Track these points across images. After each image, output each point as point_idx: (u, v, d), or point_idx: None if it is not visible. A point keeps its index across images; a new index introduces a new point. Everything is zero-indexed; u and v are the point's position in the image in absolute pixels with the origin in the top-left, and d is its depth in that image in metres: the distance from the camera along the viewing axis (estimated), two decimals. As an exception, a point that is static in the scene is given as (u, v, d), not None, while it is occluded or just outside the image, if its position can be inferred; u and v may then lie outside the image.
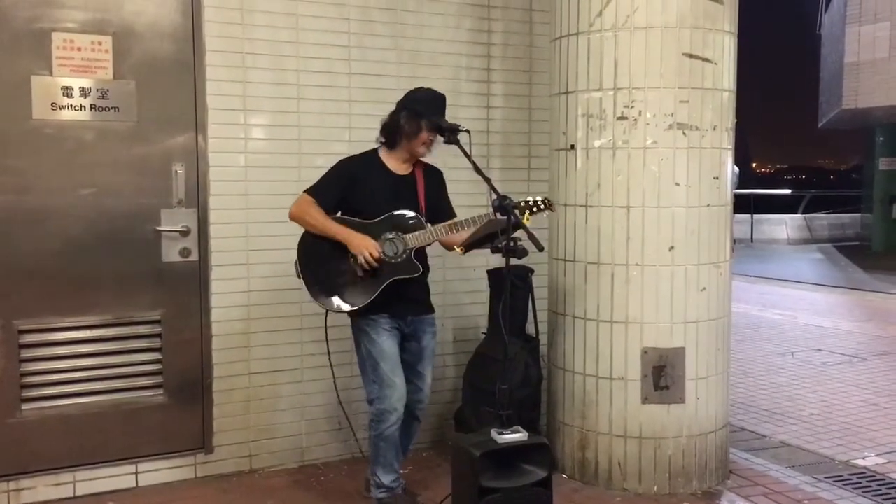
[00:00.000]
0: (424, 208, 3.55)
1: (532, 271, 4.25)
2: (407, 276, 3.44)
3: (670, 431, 3.91)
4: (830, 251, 17.51)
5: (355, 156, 3.62)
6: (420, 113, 3.45)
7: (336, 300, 3.44)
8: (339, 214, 3.50)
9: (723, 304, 4.04)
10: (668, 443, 3.91)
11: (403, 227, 3.45)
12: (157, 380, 3.96)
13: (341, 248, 3.42)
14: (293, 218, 3.49)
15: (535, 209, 3.41)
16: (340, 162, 3.59)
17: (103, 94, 3.78)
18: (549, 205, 3.44)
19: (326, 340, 3.68)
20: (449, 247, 3.56)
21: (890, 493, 3.95)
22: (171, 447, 3.99)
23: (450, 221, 3.48)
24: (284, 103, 4.11)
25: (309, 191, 3.49)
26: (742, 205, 18.22)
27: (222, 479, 4.06)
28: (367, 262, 3.35)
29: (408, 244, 3.42)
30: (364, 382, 3.59)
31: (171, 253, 3.94)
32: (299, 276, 3.46)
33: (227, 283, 4.04)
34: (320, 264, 3.45)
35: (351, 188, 3.48)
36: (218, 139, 3.98)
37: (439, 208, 3.63)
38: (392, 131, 3.51)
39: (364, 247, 3.36)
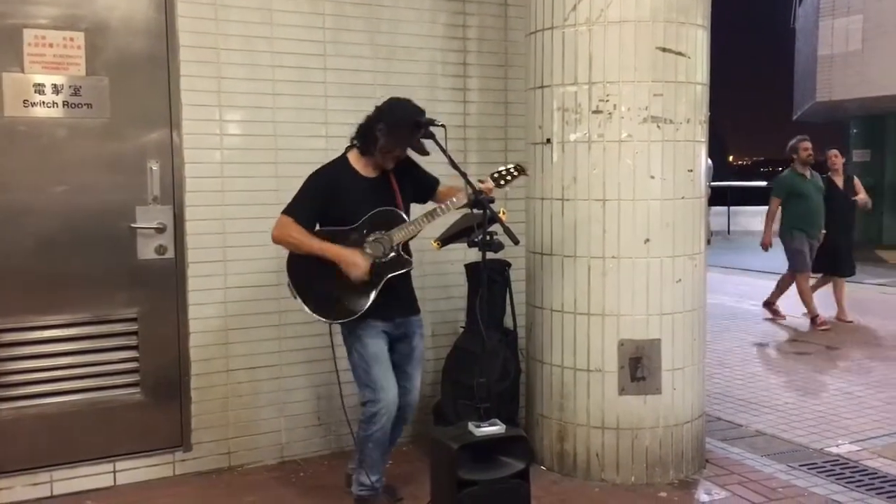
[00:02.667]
0: (403, 206, 3.55)
1: (509, 265, 4.27)
2: (402, 271, 3.44)
3: (647, 422, 3.95)
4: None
5: (325, 167, 3.55)
6: (398, 135, 3.38)
7: (338, 311, 3.41)
8: (318, 227, 3.46)
9: (698, 295, 4.08)
10: (645, 433, 3.95)
11: (385, 224, 3.43)
12: (134, 378, 3.94)
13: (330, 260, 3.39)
14: (276, 241, 3.44)
15: (508, 177, 3.41)
16: (312, 176, 3.50)
17: (76, 91, 3.75)
18: (521, 170, 3.44)
19: (332, 349, 3.63)
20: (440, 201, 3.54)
21: (863, 480, 4.02)
22: (149, 445, 3.98)
23: (429, 211, 3.47)
24: (259, 99, 4.10)
25: (287, 211, 3.43)
26: (719, 197, 18.38)
27: (201, 476, 4.05)
28: (357, 280, 3.34)
29: (393, 240, 3.42)
30: (357, 385, 3.56)
31: (146, 250, 3.91)
32: (296, 297, 3.42)
33: (203, 279, 4.02)
34: (313, 280, 3.41)
35: (328, 200, 3.44)
36: (193, 135, 3.96)
37: (424, 186, 3.64)
38: (367, 140, 3.46)
39: (354, 265, 3.33)
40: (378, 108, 3.48)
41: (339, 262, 3.35)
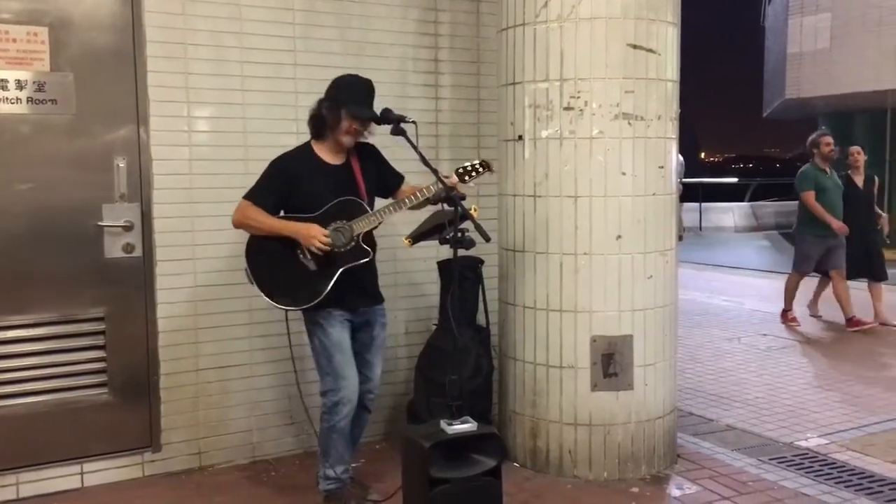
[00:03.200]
0: (366, 195, 3.52)
1: (482, 262, 4.27)
2: (359, 262, 3.42)
3: (619, 418, 3.96)
4: (776, 238, 17.88)
5: (288, 153, 3.56)
6: (340, 101, 3.40)
7: (293, 299, 3.41)
8: (281, 214, 3.46)
9: (669, 291, 4.10)
10: (618, 429, 3.96)
11: (347, 213, 3.42)
12: (102, 378, 3.88)
13: (289, 247, 3.40)
14: (236, 225, 3.46)
15: (472, 173, 3.41)
16: (274, 161, 3.52)
17: (40, 87, 3.68)
18: (486, 166, 3.44)
19: (288, 336, 3.62)
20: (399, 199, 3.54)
21: (831, 473, 4.06)
22: (117, 446, 3.92)
23: (394, 201, 3.47)
24: (228, 95, 4.05)
25: (247, 196, 3.45)
26: (691, 194, 18.53)
27: (171, 477, 4.00)
28: (319, 249, 3.33)
29: (354, 230, 3.40)
30: (318, 374, 3.56)
31: (113, 249, 3.86)
32: (252, 283, 3.42)
33: (172, 278, 3.97)
34: (271, 267, 3.42)
35: (289, 186, 3.44)
36: (160, 132, 3.91)
37: (386, 181, 3.63)
38: (316, 122, 3.49)
39: (311, 236, 3.34)
40: (326, 91, 3.51)
41: (296, 237, 3.35)
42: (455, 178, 3.43)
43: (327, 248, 3.34)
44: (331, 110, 3.42)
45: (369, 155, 3.64)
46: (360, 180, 3.52)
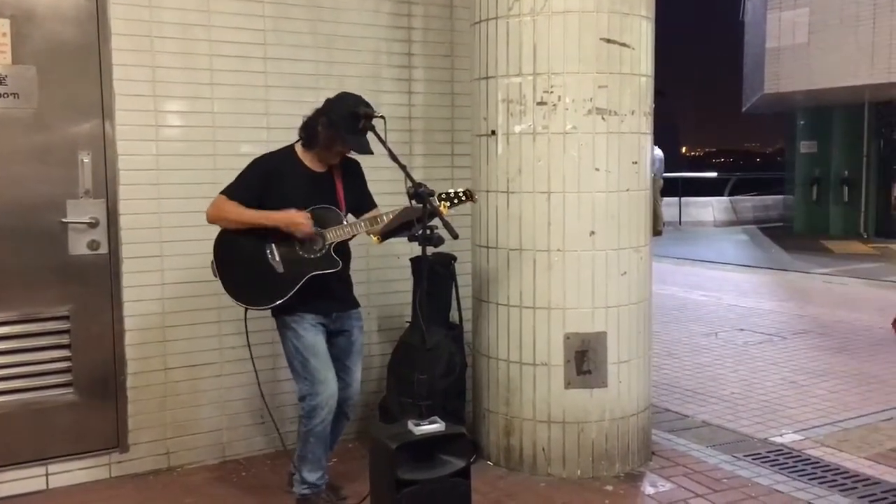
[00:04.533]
0: (344, 205, 3.48)
1: (455, 259, 4.22)
2: (327, 272, 3.36)
3: (593, 415, 3.93)
4: (755, 233, 17.98)
5: (271, 153, 3.52)
6: (339, 129, 3.32)
7: (254, 297, 3.37)
8: None
9: (643, 287, 4.07)
10: (591, 427, 3.94)
11: (322, 222, 3.37)
12: (67, 378, 3.80)
13: (260, 247, 3.35)
14: (211, 220, 3.40)
15: (455, 201, 3.35)
16: (256, 160, 3.48)
17: (1, 80, 3.59)
18: (469, 196, 3.38)
19: (247, 335, 3.56)
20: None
21: (805, 469, 4.06)
22: (83, 447, 3.85)
23: (369, 215, 3.43)
24: (197, 89, 3.97)
25: (224, 192, 3.40)
26: (670, 188, 18.59)
27: (139, 478, 3.93)
28: (305, 234, 3.30)
29: (327, 239, 3.35)
30: (294, 379, 3.50)
31: (78, 245, 3.78)
32: (216, 276, 3.39)
33: (139, 276, 3.90)
34: (238, 263, 3.38)
35: (267, 187, 3.39)
36: (126, 126, 3.83)
37: (360, 202, 3.57)
38: (310, 134, 3.42)
39: (295, 222, 3.29)
40: (327, 100, 3.44)
41: (280, 225, 3.31)
42: (438, 203, 3.28)
43: (312, 231, 3.30)
44: (328, 131, 3.35)
45: (353, 171, 3.60)
46: (341, 191, 3.48)
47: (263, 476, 3.99)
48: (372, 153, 3.38)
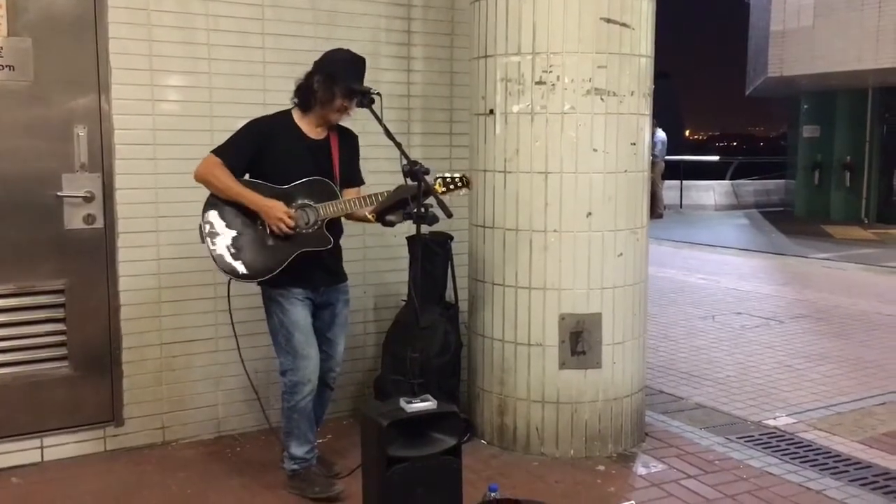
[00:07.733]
0: (339, 175, 3.45)
1: (451, 238, 4.21)
2: (318, 249, 3.35)
3: (587, 396, 3.94)
4: (755, 217, 17.94)
5: (268, 116, 3.48)
6: (335, 78, 3.30)
7: (240, 268, 3.30)
8: (247, 178, 3.37)
9: (639, 269, 4.06)
10: (585, 407, 3.95)
11: (316, 194, 3.34)
12: (62, 351, 3.81)
13: (250, 213, 3.31)
14: (198, 179, 3.33)
15: (451, 186, 3.34)
16: (251, 121, 3.42)
17: (-3, 52, 3.57)
18: (466, 182, 3.35)
19: (230, 309, 3.56)
20: (355, 219, 3.48)
21: (797, 452, 4.07)
22: (78, 420, 3.86)
23: (365, 194, 3.40)
24: (194, 63, 3.95)
25: (216, 151, 3.34)
26: (672, 171, 18.53)
27: (133, 451, 3.95)
28: (280, 231, 3.25)
29: (320, 215, 3.33)
30: (277, 353, 3.51)
31: (74, 219, 3.77)
32: (203, 241, 3.32)
33: (135, 250, 3.89)
34: (226, 229, 3.31)
35: (261, 150, 3.34)
36: (123, 100, 3.81)
37: (351, 176, 3.54)
38: (306, 95, 3.38)
39: (276, 217, 3.24)
40: (316, 62, 3.40)
41: (259, 212, 3.26)
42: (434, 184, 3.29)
43: (290, 230, 3.26)
44: (324, 86, 3.30)
45: (349, 139, 3.55)
46: (336, 162, 3.44)
47: (257, 452, 4.00)
48: (370, 92, 3.29)
